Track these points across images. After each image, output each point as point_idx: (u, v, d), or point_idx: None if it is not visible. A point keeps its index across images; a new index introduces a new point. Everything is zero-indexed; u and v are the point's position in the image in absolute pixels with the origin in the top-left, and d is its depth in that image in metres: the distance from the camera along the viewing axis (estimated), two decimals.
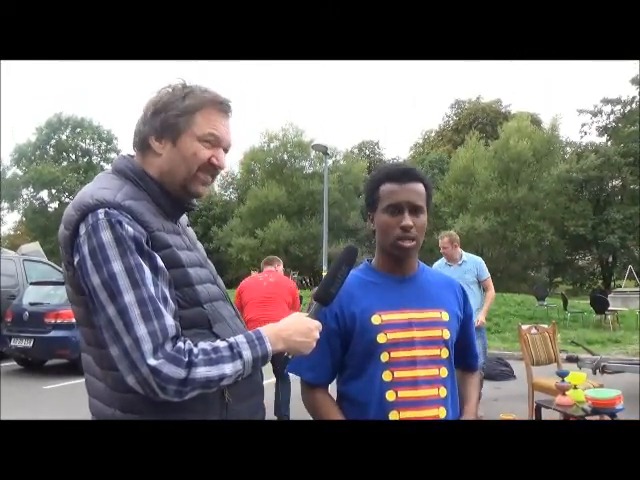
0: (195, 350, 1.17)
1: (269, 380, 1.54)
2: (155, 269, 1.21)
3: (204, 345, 1.20)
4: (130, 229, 1.19)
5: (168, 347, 1.15)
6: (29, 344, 8.25)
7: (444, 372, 1.58)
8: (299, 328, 1.32)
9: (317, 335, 1.34)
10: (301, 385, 1.64)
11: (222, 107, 1.36)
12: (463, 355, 1.72)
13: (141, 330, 1.13)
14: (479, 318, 5.25)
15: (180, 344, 1.17)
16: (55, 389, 7.30)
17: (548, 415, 3.89)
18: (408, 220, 1.55)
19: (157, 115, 1.32)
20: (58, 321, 8.17)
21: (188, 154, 1.32)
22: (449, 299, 1.67)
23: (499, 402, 6.15)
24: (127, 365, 1.14)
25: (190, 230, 1.51)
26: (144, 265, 1.18)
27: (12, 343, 8.40)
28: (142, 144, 1.35)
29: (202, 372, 1.16)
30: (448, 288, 1.71)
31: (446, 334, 1.59)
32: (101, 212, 1.19)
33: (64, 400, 6.44)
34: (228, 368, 1.19)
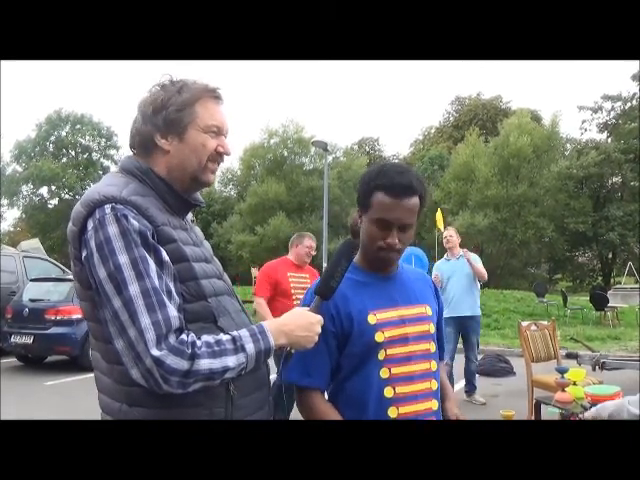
0: (198, 342, 1.19)
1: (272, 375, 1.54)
2: (160, 263, 1.22)
3: (207, 338, 1.21)
4: (135, 223, 1.21)
5: (172, 339, 1.16)
6: (29, 340, 8.23)
7: (434, 365, 1.61)
8: (301, 322, 1.33)
9: (319, 329, 1.36)
10: (295, 392, 1.58)
11: (215, 94, 1.39)
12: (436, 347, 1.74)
13: (145, 321, 1.15)
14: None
15: (183, 336, 1.18)
16: (56, 385, 7.31)
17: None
18: (395, 238, 1.53)
19: (158, 113, 1.33)
20: (58, 317, 8.16)
21: (197, 146, 1.34)
22: (428, 294, 1.71)
23: (499, 399, 6.17)
24: (132, 357, 1.16)
25: (197, 228, 1.53)
26: (148, 258, 1.20)
27: (12, 339, 8.40)
28: (146, 144, 1.36)
29: (205, 364, 1.17)
30: (424, 283, 1.74)
31: (432, 328, 1.62)
32: (108, 207, 1.21)
33: (65, 396, 6.47)
34: (231, 361, 1.20)
